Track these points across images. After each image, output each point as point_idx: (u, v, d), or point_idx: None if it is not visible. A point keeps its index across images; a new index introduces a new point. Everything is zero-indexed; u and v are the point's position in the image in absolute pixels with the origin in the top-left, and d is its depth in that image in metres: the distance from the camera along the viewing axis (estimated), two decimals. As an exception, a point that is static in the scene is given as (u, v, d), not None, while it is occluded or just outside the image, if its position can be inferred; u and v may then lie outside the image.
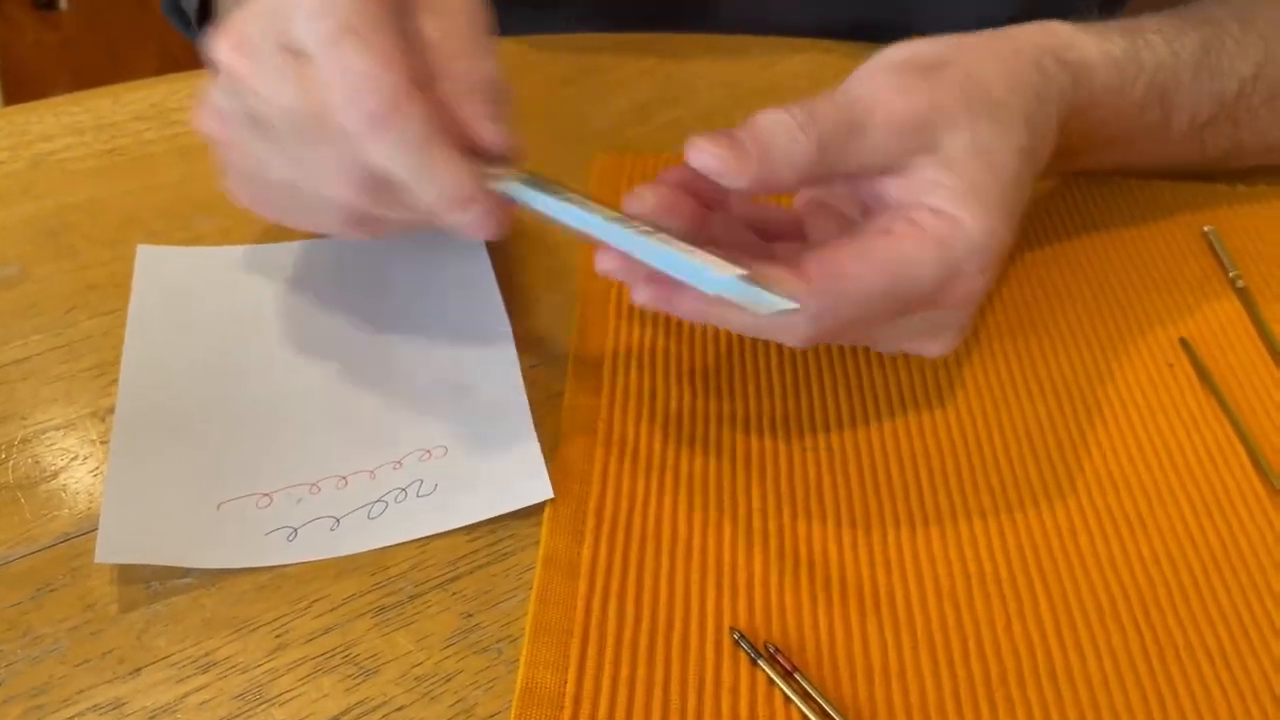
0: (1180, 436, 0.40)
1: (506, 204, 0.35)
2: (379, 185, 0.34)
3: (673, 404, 0.40)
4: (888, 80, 0.37)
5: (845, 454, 0.39)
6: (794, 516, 0.37)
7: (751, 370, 0.42)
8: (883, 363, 0.43)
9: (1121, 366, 0.43)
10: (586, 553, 0.35)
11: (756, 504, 0.37)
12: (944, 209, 0.35)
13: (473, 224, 0.34)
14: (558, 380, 0.41)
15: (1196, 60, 0.47)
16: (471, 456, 0.38)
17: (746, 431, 0.40)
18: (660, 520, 0.36)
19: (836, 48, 0.62)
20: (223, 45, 0.35)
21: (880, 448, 0.39)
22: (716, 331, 0.43)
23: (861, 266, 0.34)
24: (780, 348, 0.43)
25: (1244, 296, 0.47)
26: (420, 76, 0.33)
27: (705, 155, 0.34)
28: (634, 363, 0.42)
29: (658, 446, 0.39)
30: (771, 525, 0.36)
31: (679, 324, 0.44)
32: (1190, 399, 0.42)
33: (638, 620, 0.33)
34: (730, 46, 0.61)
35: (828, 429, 0.40)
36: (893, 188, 0.36)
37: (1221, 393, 0.42)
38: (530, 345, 0.43)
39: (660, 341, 0.43)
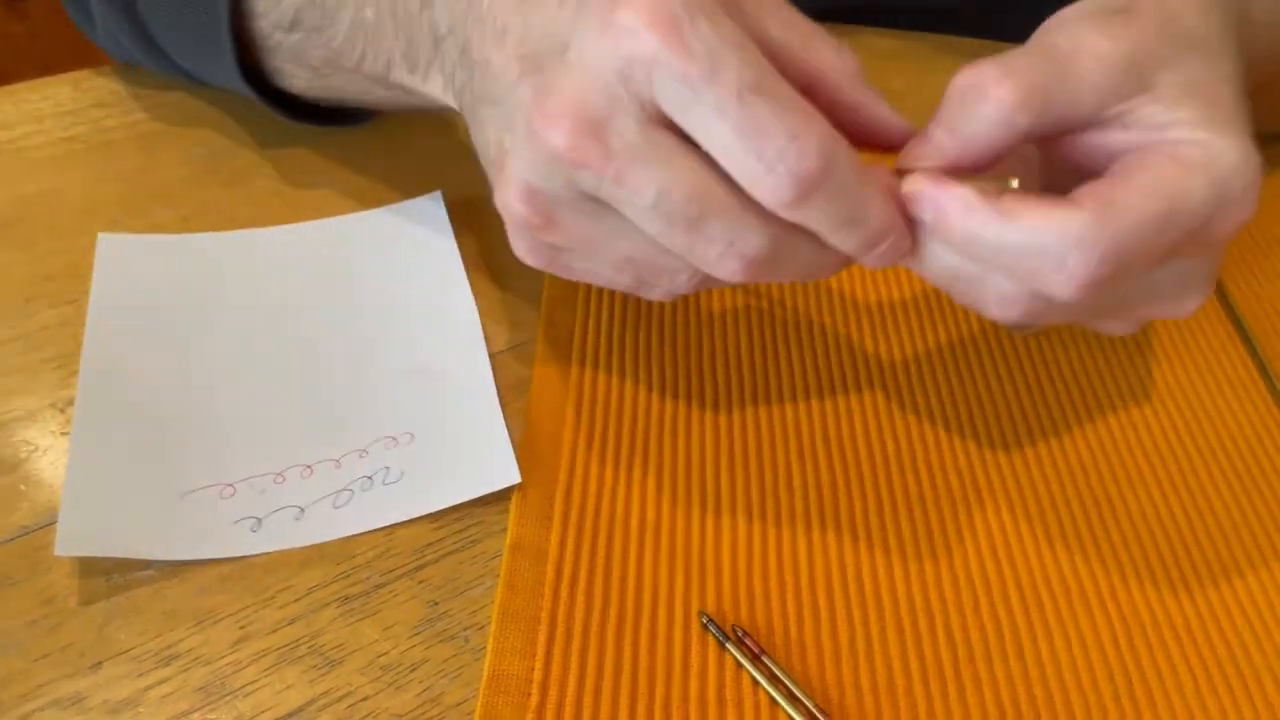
0: (1149, 420, 0.41)
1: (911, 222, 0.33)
2: (773, 259, 0.32)
3: (641, 389, 0.40)
4: (1084, 26, 0.33)
5: (814, 438, 0.39)
6: (763, 500, 0.37)
7: (720, 354, 0.42)
8: (851, 346, 0.43)
9: (1091, 351, 0.43)
10: (554, 539, 0.35)
11: (725, 488, 0.37)
12: (1190, 138, 0.32)
13: (887, 254, 0.32)
14: (526, 366, 0.41)
15: None
16: (438, 443, 0.37)
17: (715, 415, 0.39)
18: (629, 505, 0.36)
19: (842, 30, 0.62)
20: (556, 129, 0.30)
21: (849, 432, 0.39)
22: (686, 314, 0.43)
23: (1133, 195, 0.31)
24: (748, 330, 0.43)
25: (1218, 287, 0.47)
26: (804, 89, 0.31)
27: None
28: (603, 347, 0.42)
29: (626, 431, 0.39)
30: (740, 509, 0.36)
31: (648, 308, 0.43)
32: (1158, 382, 0.42)
33: (605, 606, 0.33)
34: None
35: (797, 414, 0.40)
36: (1114, 138, 0.33)
37: (1191, 376, 0.42)
38: (498, 330, 0.42)
39: (630, 326, 0.43)
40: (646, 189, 0.31)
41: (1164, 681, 0.33)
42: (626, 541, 0.35)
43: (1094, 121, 0.33)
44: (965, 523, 0.37)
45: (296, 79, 0.47)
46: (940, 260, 0.33)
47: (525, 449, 0.38)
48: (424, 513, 0.35)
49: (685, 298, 0.44)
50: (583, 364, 0.41)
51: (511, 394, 0.40)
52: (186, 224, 0.47)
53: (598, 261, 0.34)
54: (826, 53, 0.32)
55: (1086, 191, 0.31)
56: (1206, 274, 0.35)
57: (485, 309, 0.43)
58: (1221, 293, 0.46)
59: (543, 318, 0.43)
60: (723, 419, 0.39)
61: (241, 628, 0.32)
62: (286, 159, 0.50)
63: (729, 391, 0.40)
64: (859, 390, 0.41)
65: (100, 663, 0.31)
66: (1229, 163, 0.32)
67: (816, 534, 0.36)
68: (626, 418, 0.39)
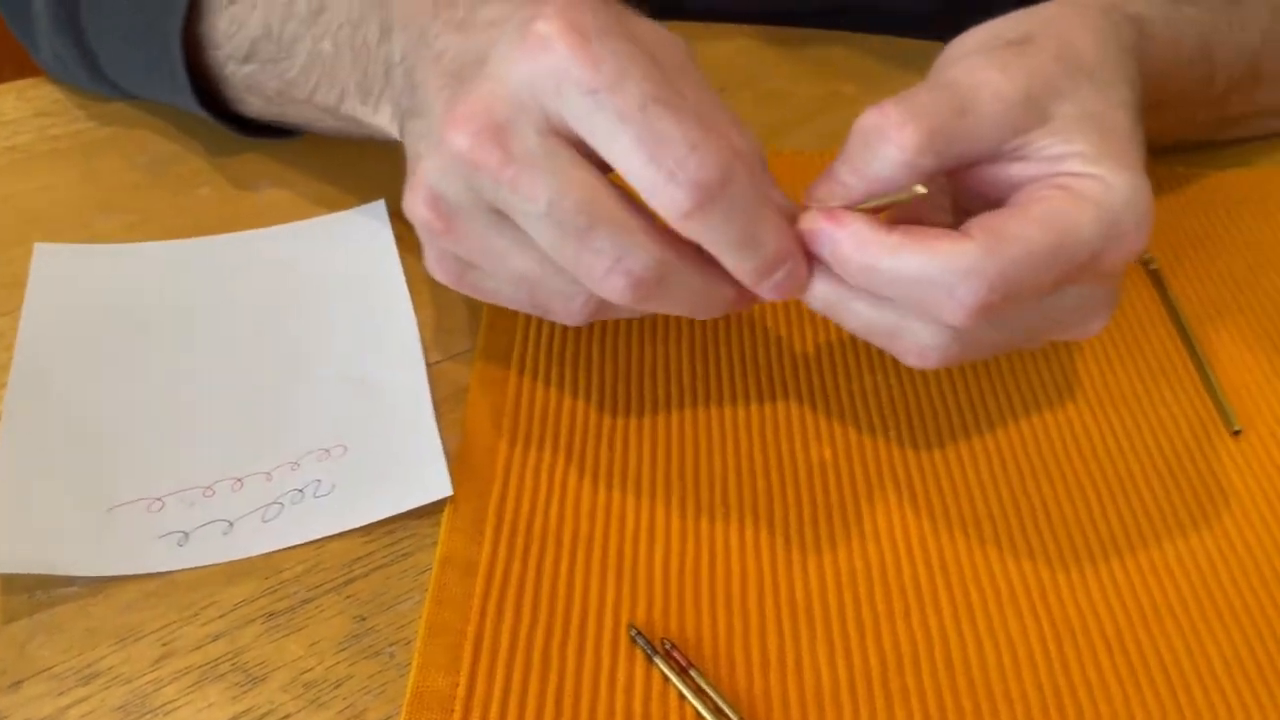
0: (1086, 423, 0.41)
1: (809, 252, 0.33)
2: (660, 282, 0.32)
3: (580, 399, 0.40)
4: (981, 61, 0.34)
5: (751, 449, 0.39)
6: (697, 511, 0.37)
7: (661, 367, 0.42)
8: (790, 360, 0.43)
9: (1029, 355, 0.43)
10: (485, 551, 0.35)
11: (661, 500, 0.37)
12: (1084, 171, 0.33)
13: (783, 283, 0.33)
14: (465, 376, 0.41)
15: (1228, 8, 0.46)
16: (371, 455, 0.37)
17: (653, 428, 0.39)
18: (563, 517, 0.36)
19: (765, 34, 0.62)
20: (460, 131, 0.31)
21: (785, 444, 0.39)
22: (629, 325, 0.43)
23: (1023, 226, 0.32)
24: (690, 343, 0.43)
25: (1156, 279, 0.47)
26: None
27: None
28: (543, 357, 0.41)
29: (563, 442, 0.38)
30: (675, 521, 0.36)
31: (589, 316, 0.43)
32: (1096, 385, 0.42)
33: (534, 620, 0.33)
34: (654, 33, 0.61)
35: (735, 426, 0.40)
36: (1014, 170, 0.34)
37: (1133, 380, 0.42)
38: (438, 340, 0.42)
39: (571, 336, 0.42)
40: (540, 195, 0.31)
41: (1093, 690, 0.32)
42: (559, 554, 0.35)
43: (995, 155, 0.34)
44: (899, 529, 0.36)
45: (249, 106, 0.47)
46: (835, 296, 0.34)
47: (460, 460, 0.37)
48: (353, 526, 0.35)
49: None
50: (522, 374, 0.41)
51: (450, 404, 0.40)
52: (130, 233, 0.46)
53: (499, 279, 0.35)
54: (732, 133, 0.33)
55: (978, 222, 0.32)
56: (1107, 299, 0.35)
57: (428, 318, 0.43)
58: (1164, 293, 0.46)
59: (484, 326, 0.42)
60: (660, 431, 0.39)
61: (164, 645, 0.32)
62: (232, 166, 0.50)
63: (668, 404, 0.40)
64: (794, 402, 0.41)
65: (20, 681, 0.31)
66: (1121, 197, 0.33)
67: (750, 545, 0.36)
68: (564, 428, 0.39)
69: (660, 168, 0.30)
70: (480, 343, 0.42)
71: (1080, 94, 0.34)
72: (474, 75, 0.32)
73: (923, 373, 0.42)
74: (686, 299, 0.33)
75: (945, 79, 0.34)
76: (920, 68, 0.37)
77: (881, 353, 0.42)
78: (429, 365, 0.41)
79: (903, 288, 0.32)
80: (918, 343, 0.33)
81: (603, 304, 0.34)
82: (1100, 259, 0.33)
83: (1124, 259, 0.33)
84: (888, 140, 0.32)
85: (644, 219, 0.32)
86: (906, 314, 0.33)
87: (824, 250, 0.33)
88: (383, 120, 0.39)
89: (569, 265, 0.32)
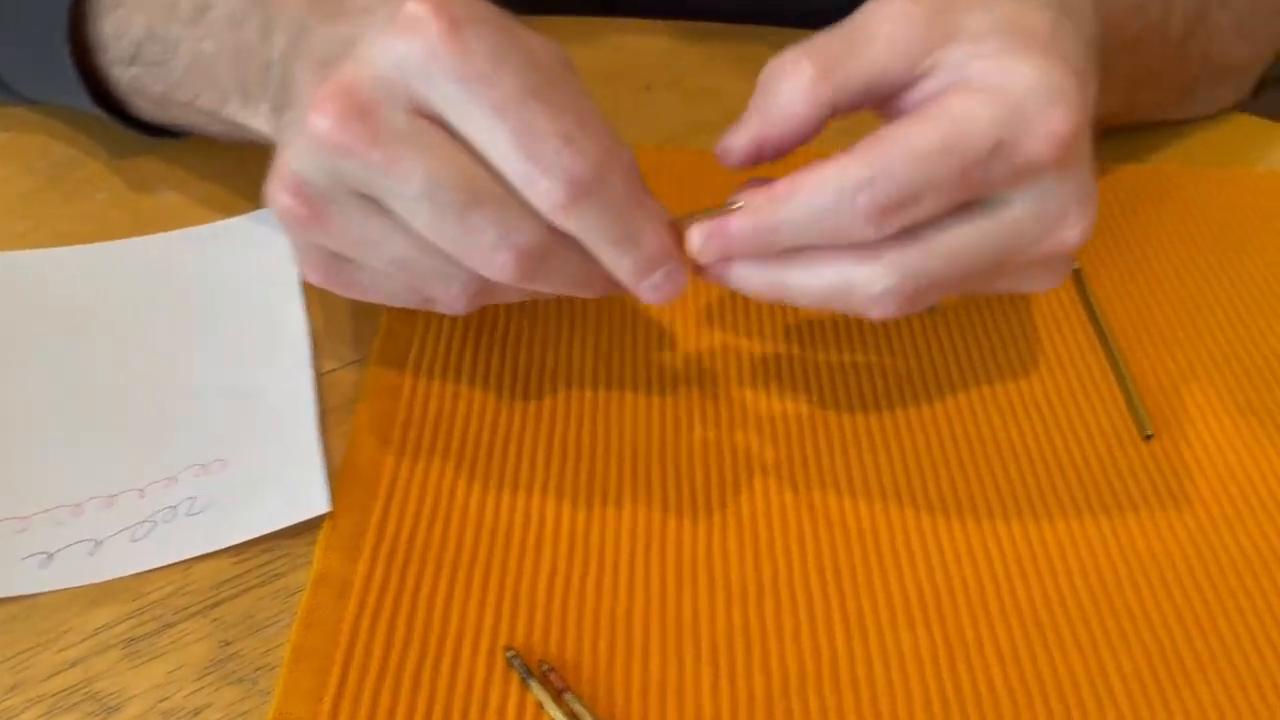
0: (998, 432, 0.40)
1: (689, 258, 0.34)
2: (545, 256, 0.31)
3: (474, 408, 0.39)
4: None
5: (637, 464, 0.38)
6: (587, 526, 0.35)
7: (563, 372, 0.40)
8: (695, 372, 0.41)
9: (942, 358, 0.42)
10: (361, 571, 0.33)
11: (551, 514, 0.36)
12: (985, 66, 0.32)
13: (660, 285, 0.33)
14: (359, 385, 0.39)
15: None
16: (249, 470, 0.36)
17: (548, 439, 0.38)
18: (446, 533, 0.35)
19: (695, 30, 0.61)
20: (323, 113, 0.30)
21: (683, 459, 0.38)
22: (532, 330, 0.42)
23: (907, 126, 0.31)
24: (594, 352, 0.41)
25: (1077, 279, 0.46)
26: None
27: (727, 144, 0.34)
28: (439, 365, 0.40)
29: (453, 454, 0.37)
30: (563, 536, 0.35)
31: (492, 323, 0.42)
32: (1014, 393, 0.41)
33: (407, 641, 0.32)
34: (580, 30, 0.59)
35: (621, 441, 0.38)
36: (927, 89, 0.33)
37: (1047, 385, 0.41)
38: (333, 347, 0.41)
39: (470, 343, 0.41)
40: (415, 175, 0.30)
41: (983, 707, 0.31)
42: (439, 572, 0.34)
43: (909, 80, 0.33)
44: (795, 545, 0.35)
45: (139, 109, 0.45)
46: (768, 275, 0.34)
47: (344, 474, 0.36)
48: (225, 545, 0.34)
49: (533, 311, 0.42)
50: (416, 382, 0.39)
51: (341, 414, 0.38)
52: (24, 240, 0.45)
53: (373, 270, 0.34)
54: (606, 136, 0.32)
55: (865, 138, 0.32)
56: (1073, 198, 0.33)
57: (326, 323, 0.41)
58: (1084, 294, 0.45)
59: (381, 332, 0.41)
60: (555, 442, 0.38)
61: (16, 673, 0.31)
62: (131, 171, 0.48)
63: (566, 414, 0.39)
64: (697, 415, 0.40)
65: None
66: (1023, 80, 0.32)
67: (639, 562, 0.35)
68: (455, 440, 0.38)
69: (535, 161, 0.30)
70: (375, 349, 0.40)
71: (996, 5, 0.33)
72: (341, 58, 0.31)
73: (829, 385, 0.41)
74: (572, 276, 0.33)
75: (854, 18, 0.34)
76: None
77: (791, 364, 0.41)
78: (322, 374, 0.40)
79: (813, 228, 0.32)
80: (869, 292, 0.33)
81: (485, 286, 0.33)
82: (1010, 149, 0.31)
83: (1044, 146, 0.31)
84: (784, 75, 0.33)
85: (522, 200, 0.31)
86: (841, 262, 0.33)
87: (730, 243, 0.33)
88: (261, 122, 0.38)
89: (450, 246, 0.32)
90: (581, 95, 0.32)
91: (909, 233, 0.32)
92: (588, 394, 0.40)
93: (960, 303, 0.44)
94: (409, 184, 0.30)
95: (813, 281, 0.33)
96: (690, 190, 0.50)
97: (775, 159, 0.34)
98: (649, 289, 0.33)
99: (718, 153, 0.34)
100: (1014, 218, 0.33)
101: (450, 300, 0.34)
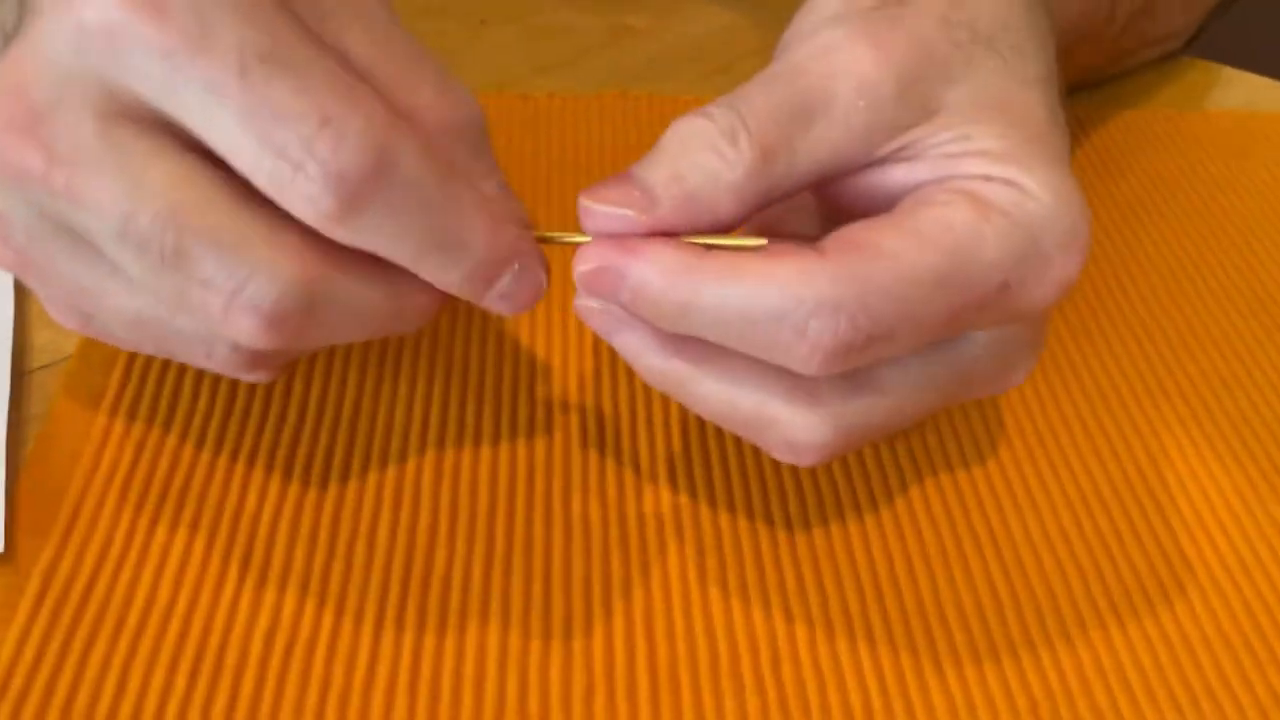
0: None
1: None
2: (315, 303, 0.24)
3: (195, 422, 0.32)
4: (840, 36, 0.25)
5: (321, 514, 0.31)
6: (301, 592, 0.28)
7: (316, 399, 0.33)
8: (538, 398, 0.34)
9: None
10: (14, 632, 0.26)
11: (276, 564, 0.29)
12: (989, 172, 0.25)
13: (511, 292, 0.25)
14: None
15: None
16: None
17: (267, 469, 0.31)
18: (135, 583, 0.27)
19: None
20: None
21: (467, 503, 0.31)
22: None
23: (900, 239, 0.24)
24: (378, 360, 0.34)
25: None
26: None
27: (599, 217, 0.24)
28: (151, 379, 0.32)
29: (158, 481, 0.30)
30: (269, 602, 0.28)
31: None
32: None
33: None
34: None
35: (324, 486, 0.32)
36: (897, 176, 0.26)
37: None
38: (52, 340, 0.33)
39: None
40: (106, 207, 0.22)
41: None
42: (118, 634, 0.26)
43: (869, 161, 0.25)
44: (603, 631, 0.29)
45: None
46: (670, 368, 0.26)
47: (25, 503, 0.29)
48: None
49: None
50: (125, 385, 0.32)
51: (40, 423, 0.31)
52: None
53: (110, 324, 0.26)
54: (426, 90, 0.24)
55: (840, 234, 0.24)
56: (1029, 342, 0.27)
57: (40, 312, 0.34)
58: None
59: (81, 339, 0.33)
60: (279, 471, 0.31)
61: None
62: None
63: (323, 445, 0.32)
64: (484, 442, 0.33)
65: None
66: (1037, 211, 0.24)
67: (389, 627, 0.28)
68: (164, 463, 0.30)
69: (281, 154, 0.22)
70: (79, 343, 0.33)
71: (977, 71, 0.26)
72: (19, 44, 0.23)
73: (676, 418, 0.34)
74: (366, 321, 0.25)
75: (792, 65, 0.25)
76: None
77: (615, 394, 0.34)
78: (29, 372, 0.33)
79: (740, 331, 0.24)
80: (789, 438, 0.25)
81: (260, 356, 0.26)
82: (1015, 292, 0.24)
83: (1049, 293, 0.25)
84: (710, 153, 0.24)
85: (275, 223, 0.23)
86: (765, 391, 0.25)
87: (623, 291, 0.24)
88: None
89: (171, 304, 0.24)
90: (392, 40, 0.25)
91: (854, 373, 0.25)
92: (343, 428, 0.33)
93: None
94: (103, 218, 0.23)
95: (720, 399, 0.26)
96: (536, 142, 0.43)
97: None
98: (497, 300, 0.25)
99: (583, 209, 0.25)
100: (973, 358, 0.26)
101: (225, 368, 0.26)
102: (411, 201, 0.23)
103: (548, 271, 0.26)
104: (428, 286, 0.25)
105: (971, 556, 0.30)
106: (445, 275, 0.24)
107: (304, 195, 0.22)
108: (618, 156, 0.43)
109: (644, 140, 0.30)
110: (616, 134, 0.44)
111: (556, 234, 0.26)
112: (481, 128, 0.26)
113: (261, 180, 0.22)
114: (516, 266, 0.25)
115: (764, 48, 0.28)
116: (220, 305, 0.23)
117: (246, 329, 0.23)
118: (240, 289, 0.23)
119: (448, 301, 0.26)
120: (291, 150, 0.22)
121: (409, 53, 0.25)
